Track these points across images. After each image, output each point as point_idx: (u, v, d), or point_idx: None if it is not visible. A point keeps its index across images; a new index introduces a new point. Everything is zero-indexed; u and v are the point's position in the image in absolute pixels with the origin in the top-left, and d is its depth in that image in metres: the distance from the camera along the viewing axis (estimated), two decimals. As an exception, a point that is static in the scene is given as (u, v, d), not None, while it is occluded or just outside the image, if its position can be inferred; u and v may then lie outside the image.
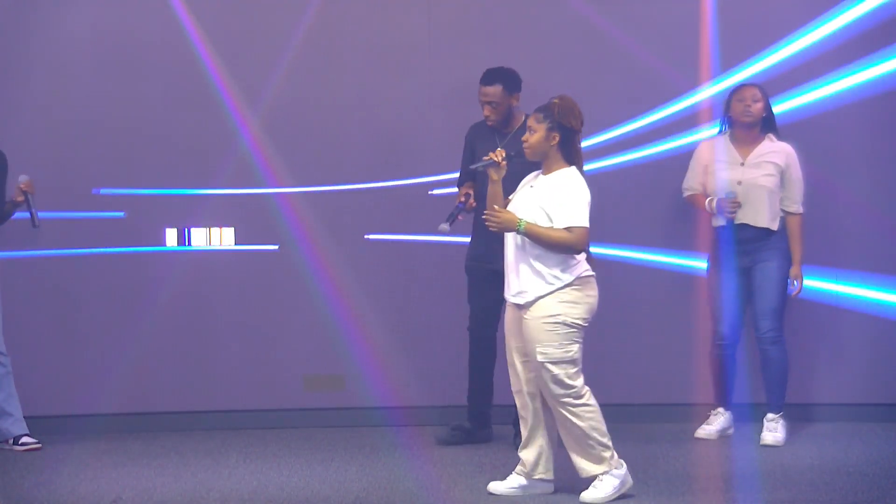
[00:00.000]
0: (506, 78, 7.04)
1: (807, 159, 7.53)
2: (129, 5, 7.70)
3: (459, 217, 6.56)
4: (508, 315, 6.09)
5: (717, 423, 7.28)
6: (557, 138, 5.93)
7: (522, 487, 6.10)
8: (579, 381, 5.94)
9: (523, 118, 6.90)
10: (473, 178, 6.90)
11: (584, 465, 5.97)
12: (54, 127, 7.62)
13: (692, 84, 7.59)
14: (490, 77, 7.04)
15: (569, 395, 5.91)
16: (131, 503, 6.11)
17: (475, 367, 7.16)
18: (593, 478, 5.96)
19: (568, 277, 5.91)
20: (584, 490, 5.97)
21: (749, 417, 7.52)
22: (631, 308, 7.71)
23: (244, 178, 7.69)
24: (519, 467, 6.12)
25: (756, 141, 7.20)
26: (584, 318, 5.96)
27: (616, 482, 5.94)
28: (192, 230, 7.70)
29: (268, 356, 7.74)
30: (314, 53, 7.69)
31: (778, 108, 7.38)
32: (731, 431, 7.32)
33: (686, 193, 7.35)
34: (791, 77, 7.55)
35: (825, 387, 7.60)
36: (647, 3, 7.67)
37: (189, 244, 7.71)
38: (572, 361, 5.92)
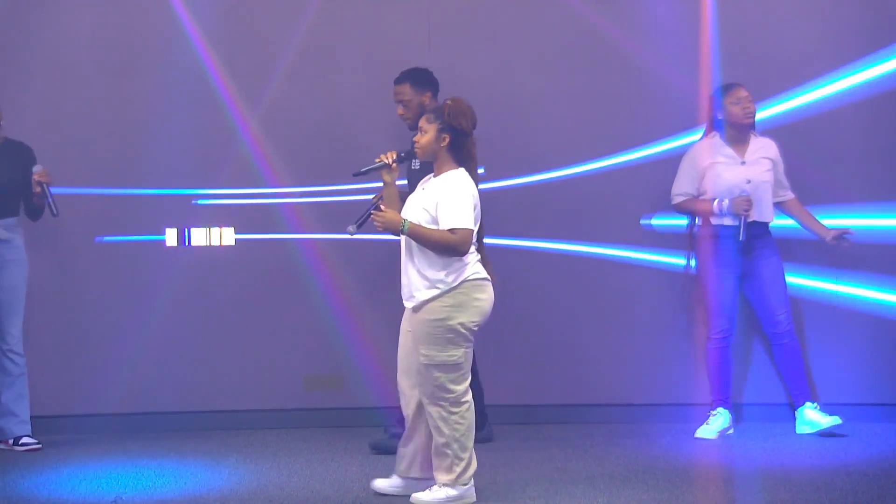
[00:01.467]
0: (414, 76, 7.08)
1: (807, 159, 7.56)
2: (130, 5, 7.70)
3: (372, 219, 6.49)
4: (404, 316, 6.04)
5: (716, 423, 7.28)
6: (447, 140, 5.92)
7: (402, 487, 6.08)
8: (461, 387, 5.88)
9: None
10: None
11: (436, 471, 5.95)
12: (54, 126, 7.62)
13: (692, 84, 7.60)
14: (400, 76, 7.11)
15: (446, 400, 5.86)
16: (131, 503, 6.11)
17: None
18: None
19: (453, 281, 5.85)
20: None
21: (750, 417, 7.54)
22: (630, 308, 7.72)
23: (244, 178, 7.69)
24: (397, 465, 6.12)
25: (746, 139, 7.29)
26: (472, 322, 5.89)
27: (453, 493, 5.89)
28: (192, 230, 7.70)
29: (268, 356, 7.73)
30: (314, 54, 7.69)
31: (777, 109, 7.42)
32: (731, 431, 7.32)
33: (678, 199, 7.36)
34: (791, 77, 7.56)
35: (825, 387, 7.59)
36: (647, 3, 7.67)
37: (189, 244, 7.72)
38: (455, 366, 5.86)
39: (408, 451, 6.07)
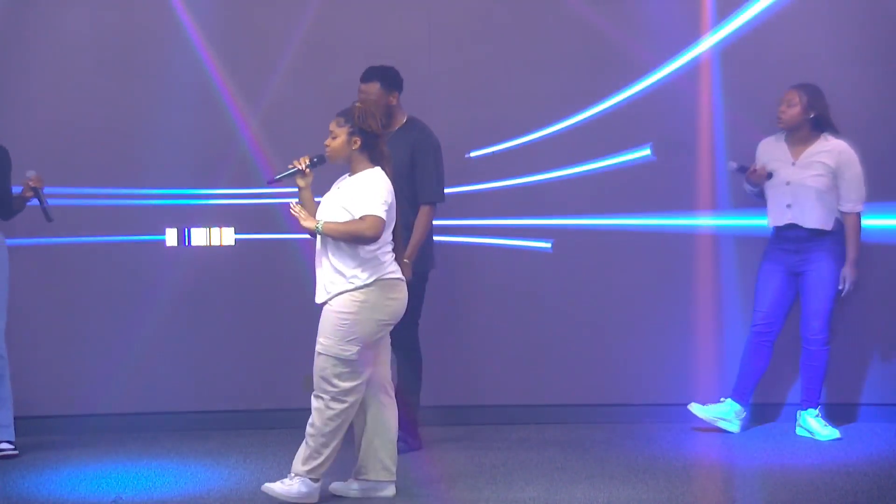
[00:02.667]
0: (383, 75, 7.02)
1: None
2: (129, 5, 7.70)
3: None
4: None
5: (715, 408, 7.27)
6: (359, 142, 5.98)
7: (361, 490, 6.09)
8: (345, 385, 5.91)
9: (405, 118, 7.02)
10: None
11: (296, 457, 5.99)
12: (54, 126, 7.62)
13: (691, 84, 7.60)
14: (368, 74, 7.04)
15: (327, 394, 5.91)
16: (131, 503, 6.11)
17: None
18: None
19: (367, 277, 5.91)
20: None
21: (750, 417, 7.53)
22: (630, 308, 7.71)
23: (244, 178, 7.69)
24: (356, 468, 6.13)
25: (809, 141, 7.23)
26: (381, 321, 5.96)
27: (303, 490, 5.94)
28: (192, 230, 7.70)
29: (268, 356, 7.73)
30: (314, 53, 7.68)
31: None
32: (731, 427, 7.28)
33: (747, 190, 7.38)
34: (791, 77, 7.55)
35: (825, 387, 7.58)
36: (646, 2, 7.67)
37: (189, 244, 7.72)
38: (347, 362, 5.90)
39: (362, 453, 6.09)
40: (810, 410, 7.27)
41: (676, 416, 7.55)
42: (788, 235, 7.20)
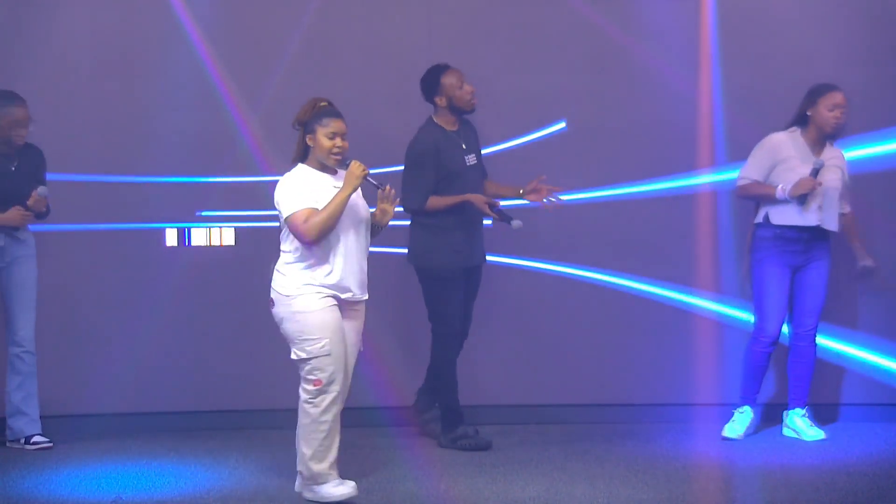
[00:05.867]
0: None
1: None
2: (129, 5, 7.70)
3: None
4: (337, 317, 6.11)
5: (742, 421, 7.23)
6: None
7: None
8: None
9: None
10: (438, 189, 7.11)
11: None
12: (52, 126, 7.60)
13: (692, 84, 7.61)
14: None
15: None
16: (131, 503, 6.11)
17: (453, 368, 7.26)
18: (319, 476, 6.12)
19: None
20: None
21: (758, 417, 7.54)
22: (630, 308, 7.71)
23: (244, 178, 7.68)
24: (334, 472, 6.13)
25: (823, 144, 7.18)
26: None
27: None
28: (192, 230, 7.71)
29: (268, 356, 7.71)
30: (314, 53, 7.69)
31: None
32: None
33: (742, 182, 7.19)
34: (791, 76, 7.55)
35: (825, 387, 7.60)
36: (646, 3, 7.67)
37: (189, 244, 7.72)
38: None
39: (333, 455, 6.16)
40: (797, 410, 7.26)
41: (676, 416, 7.56)
42: (802, 237, 7.14)
